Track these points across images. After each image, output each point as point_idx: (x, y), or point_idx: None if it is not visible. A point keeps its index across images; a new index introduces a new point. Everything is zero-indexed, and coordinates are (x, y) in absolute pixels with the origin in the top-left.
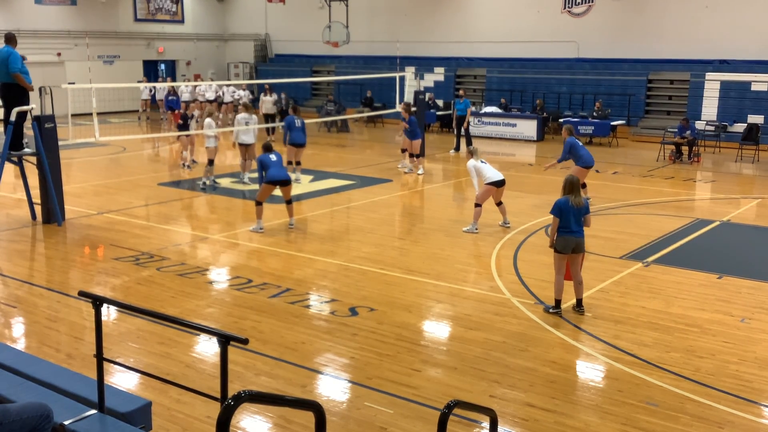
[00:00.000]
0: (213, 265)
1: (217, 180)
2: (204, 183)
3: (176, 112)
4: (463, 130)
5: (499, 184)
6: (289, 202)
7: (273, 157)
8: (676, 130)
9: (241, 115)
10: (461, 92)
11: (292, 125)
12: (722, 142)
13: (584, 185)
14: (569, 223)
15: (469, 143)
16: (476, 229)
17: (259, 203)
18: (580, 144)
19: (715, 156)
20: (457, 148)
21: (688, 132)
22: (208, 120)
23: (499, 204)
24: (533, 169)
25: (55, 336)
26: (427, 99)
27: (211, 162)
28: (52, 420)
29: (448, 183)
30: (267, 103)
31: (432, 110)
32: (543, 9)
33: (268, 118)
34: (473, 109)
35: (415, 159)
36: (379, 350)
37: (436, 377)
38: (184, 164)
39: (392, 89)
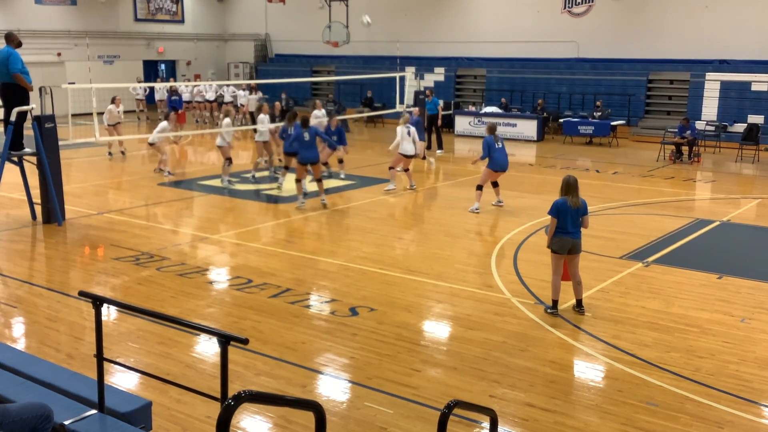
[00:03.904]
0: (213, 265)
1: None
2: (228, 181)
3: (180, 111)
4: (453, 127)
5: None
6: (319, 180)
7: (306, 136)
8: (676, 130)
9: (263, 116)
10: (428, 93)
11: (337, 133)
12: (722, 142)
13: (496, 184)
14: (566, 224)
15: (439, 142)
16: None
17: (298, 180)
18: (497, 146)
19: (715, 156)
20: (440, 147)
21: (688, 132)
22: (227, 120)
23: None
24: (533, 170)
25: (55, 336)
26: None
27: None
28: (52, 420)
29: (448, 183)
30: (252, 101)
31: None
32: (543, 9)
33: (251, 116)
34: (473, 108)
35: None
36: (379, 350)
37: (436, 377)
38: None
39: (392, 89)
